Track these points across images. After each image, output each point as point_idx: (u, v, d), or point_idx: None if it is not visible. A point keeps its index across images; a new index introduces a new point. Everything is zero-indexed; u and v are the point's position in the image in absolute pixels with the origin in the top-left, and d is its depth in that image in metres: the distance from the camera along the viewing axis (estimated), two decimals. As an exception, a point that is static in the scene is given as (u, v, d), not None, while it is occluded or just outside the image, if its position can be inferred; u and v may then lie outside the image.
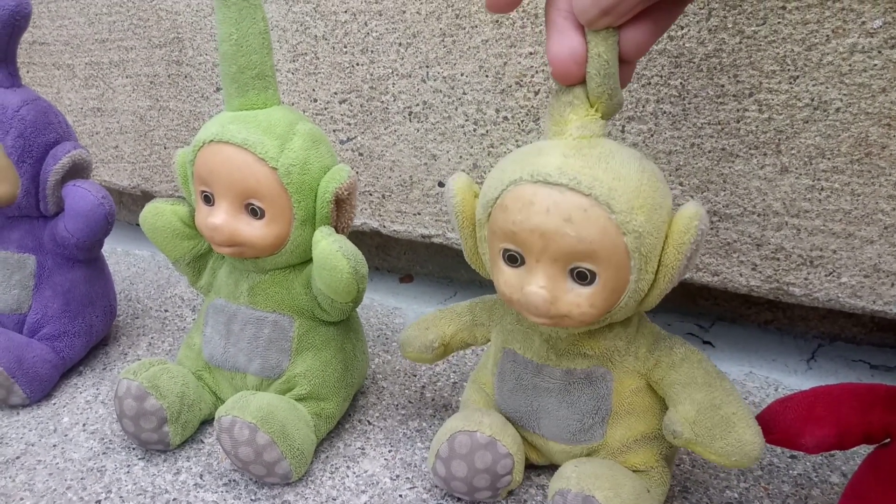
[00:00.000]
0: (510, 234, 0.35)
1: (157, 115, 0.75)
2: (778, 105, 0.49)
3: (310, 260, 0.45)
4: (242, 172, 0.43)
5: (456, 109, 0.60)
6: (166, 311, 0.67)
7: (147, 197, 0.80)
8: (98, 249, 0.57)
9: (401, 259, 0.75)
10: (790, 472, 0.45)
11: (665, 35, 0.50)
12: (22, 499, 0.43)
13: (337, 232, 0.45)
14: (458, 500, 0.43)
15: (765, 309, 0.61)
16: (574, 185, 0.33)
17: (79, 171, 0.54)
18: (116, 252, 0.81)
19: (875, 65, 0.46)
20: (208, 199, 0.45)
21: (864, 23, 0.46)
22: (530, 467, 0.45)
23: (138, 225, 0.90)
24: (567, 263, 0.34)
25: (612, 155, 0.35)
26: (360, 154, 0.65)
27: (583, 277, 0.34)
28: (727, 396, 0.37)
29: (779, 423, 0.38)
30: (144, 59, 0.73)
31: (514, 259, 0.36)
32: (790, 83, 0.48)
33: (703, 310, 0.63)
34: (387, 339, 0.61)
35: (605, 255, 0.34)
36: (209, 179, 0.44)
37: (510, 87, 0.57)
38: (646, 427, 0.40)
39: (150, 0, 0.70)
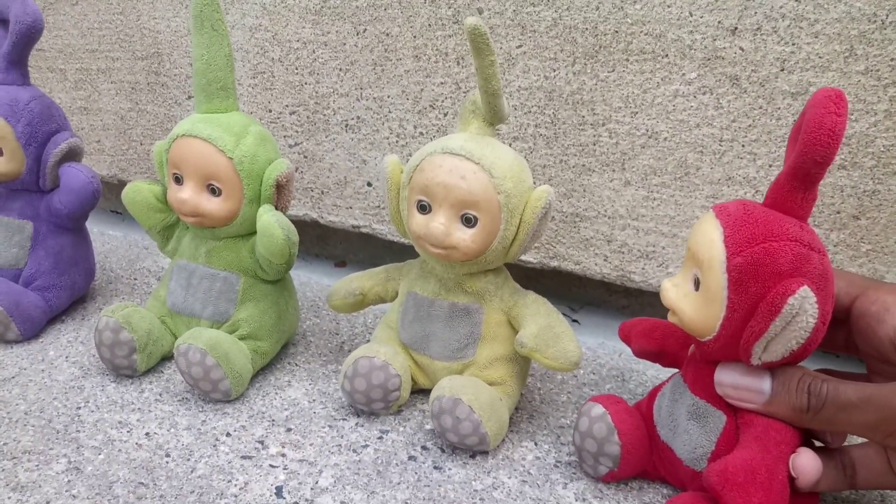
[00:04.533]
0: (423, 188, 0.50)
1: (136, 116, 0.88)
2: (623, 133, 0.64)
3: (255, 231, 0.58)
4: (206, 160, 0.56)
5: (383, 124, 0.74)
6: (135, 279, 0.80)
7: (124, 186, 0.92)
8: (84, 221, 0.70)
9: (337, 247, 0.89)
10: (612, 408, 0.59)
11: (542, 76, 0.65)
12: (17, 404, 0.56)
13: (276, 209, 0.58)
14: (359, 413, 0.56)
15: (622, 296, 0.76)
16: (469, 155, 0.49)
17: (73, 155, 0.67)
18: (93, 232, 0.93)
19: (692, 105, 0.61)
20: (178, 180, 0.58)
21: (684, 74, 0.61)
22: (417, 392, 0.58)
23: (113, 211, 1.03)
24: (459, 210, 0.50)
25: (496, 144, 0.52)
26: (305, 157, 0.79)
27: (468, 221, 0.50)
28: (559, 322, 0.52)
29: (625, 327, 0.54)
30: (128, 68, 0.86)
31: (424, 208, 0.51)
32: (631, 117, 0.63)
33: (574, 295, 0.78)
34: (318, 308, 0.75)
35: (484, 206, 0.49)
36: (180, 164, 0.57)
37: (425, 108, 0.71)
38: (504, 351, 0.54)
39: (136, 19, 0.84)
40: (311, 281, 0.81)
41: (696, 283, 0.41)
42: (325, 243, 0.89)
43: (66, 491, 0.47)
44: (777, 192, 0.40)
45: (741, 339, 0.39)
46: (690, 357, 0.47)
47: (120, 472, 0.49)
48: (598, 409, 0.47)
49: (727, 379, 0.42)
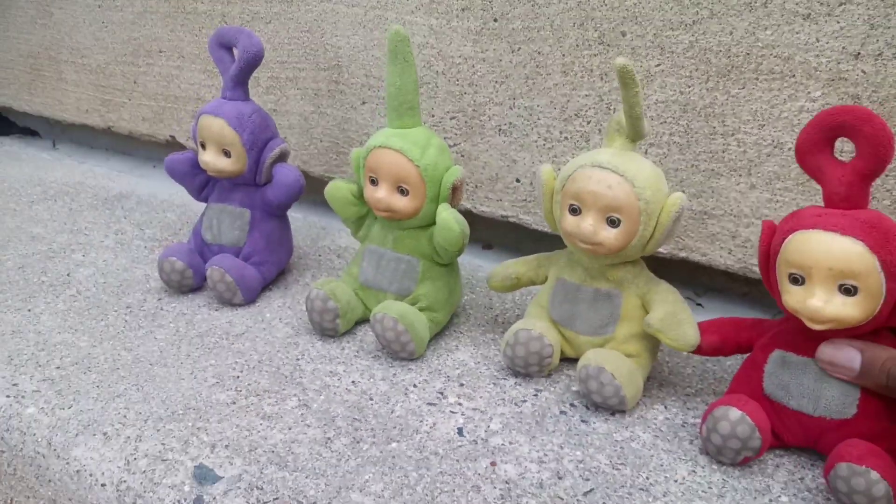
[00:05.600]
0: (575, 194, 0.61)
1: (317, 118, 1.04)
2: (750, 143, 0.73)
3: (432, 223, 0.71)
4: (398, 167, 0.69)
5: (532, 129, 0.85)
6: (320, 256, 0.95)
7: (306, 177, 1.09)
8: (288, 209, 0.86)
9: (484, 233, 1.01)
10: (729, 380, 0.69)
11: (678, 91, 0.75)
12: (251, 355, 0.72)
13: (452, 207, 0.71)
14: (516, 374, 0.69)
15: (743, 284, 0.84)
16: (615, 168, 0.60)
17: (283, 157, 0.83)
18: (277, 214, 1.11)
19: (815, 120, 0.69)
20: (374, 182, 0.71)
21: (809, 92, 0.68)
22: (564, 360, 0.70)
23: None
24: (605, 213, 0.60)
25: (637, 158, 0.62)
26: (462, 156, 0.91)
27: (613, 223, 0.60)
28: (683, 310, 0.63)
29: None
30: (312, 77, 1.02)
31: (575, 210, 0.62)
32: (759, 129, 0.72)
33: (699, 282, 0.87)
34: (472, 285, 0.88)
35: (627, 210, 0.60)
36: (376, 169, 0.70)
37: (571, 117, 0.82)
38: (639, 330, 0.65)
39: (321, 36, 0.98)
40: (463, 262, 0.95)
41: (849, 291, 0.49)
42: (474, 229, 1.01)
43: (301, 422, 0.62)
44: (852, 191, 0.51)
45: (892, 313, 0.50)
46: (782, 335, 0.57)
47: (338, 410, 0.63)
48: (736, 413, 0.54)
49: (827, 356, 0.53)
